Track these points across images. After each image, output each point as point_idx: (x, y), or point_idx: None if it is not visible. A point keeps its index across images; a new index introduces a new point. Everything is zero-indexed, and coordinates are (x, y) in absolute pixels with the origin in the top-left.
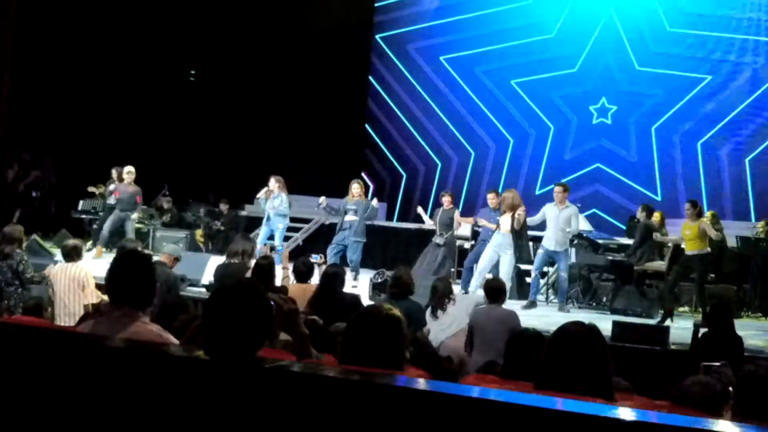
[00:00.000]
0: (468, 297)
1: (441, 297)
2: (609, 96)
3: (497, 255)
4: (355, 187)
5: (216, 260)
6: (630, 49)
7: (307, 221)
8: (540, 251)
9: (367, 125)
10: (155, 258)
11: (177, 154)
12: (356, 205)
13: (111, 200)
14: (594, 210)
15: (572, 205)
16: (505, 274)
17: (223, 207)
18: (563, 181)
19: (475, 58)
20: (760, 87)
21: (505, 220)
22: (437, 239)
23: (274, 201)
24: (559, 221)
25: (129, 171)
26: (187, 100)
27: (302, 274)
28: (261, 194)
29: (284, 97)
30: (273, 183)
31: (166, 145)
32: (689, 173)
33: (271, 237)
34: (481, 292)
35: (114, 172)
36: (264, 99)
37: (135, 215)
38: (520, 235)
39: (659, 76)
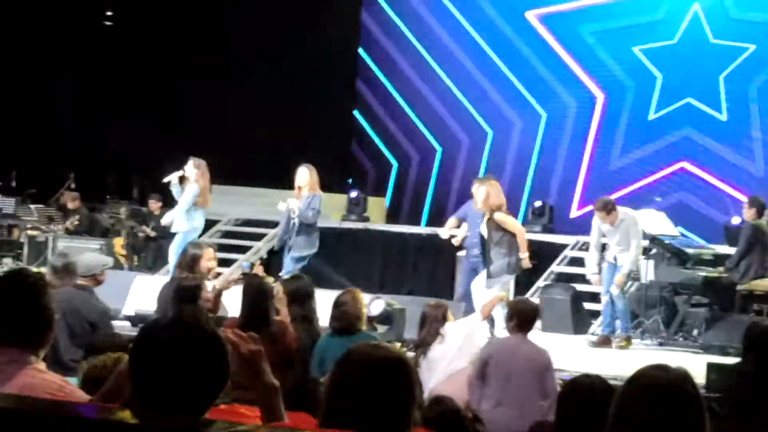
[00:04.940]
0: (460, 325)
1: (430, 329)
2: None
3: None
4: (300, 175)
5: (144, 280)
6: None
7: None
8: (604, 265)
9: (355, 111)
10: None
11: (89, 127)
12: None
13: None
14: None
15: (628, 215)
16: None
17: (154, 206)
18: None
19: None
20: None
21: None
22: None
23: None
24: (614, 240)
25: None
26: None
27: None
28: (172, 177)
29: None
30: (190, 167)
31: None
32: None
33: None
34: (476, 315)
35: None
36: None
37: None
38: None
39: None
